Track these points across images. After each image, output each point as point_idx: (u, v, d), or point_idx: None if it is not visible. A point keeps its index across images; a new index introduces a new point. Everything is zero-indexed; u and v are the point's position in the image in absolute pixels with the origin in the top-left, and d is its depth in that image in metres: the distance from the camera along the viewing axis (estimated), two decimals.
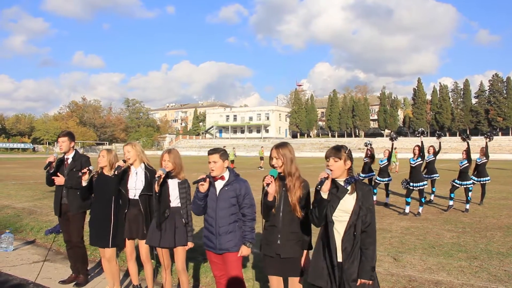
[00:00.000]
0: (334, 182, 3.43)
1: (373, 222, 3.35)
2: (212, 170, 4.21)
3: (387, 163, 13.40)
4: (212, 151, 4.27)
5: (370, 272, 3.29)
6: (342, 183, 3.42)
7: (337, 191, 3.40)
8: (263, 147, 41.20)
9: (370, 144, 13.80)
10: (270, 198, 3.82)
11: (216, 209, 4.22)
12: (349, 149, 3.53)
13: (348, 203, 3.37)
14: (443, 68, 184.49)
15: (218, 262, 4.31)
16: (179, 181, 4.80)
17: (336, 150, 3.46)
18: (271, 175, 3.79)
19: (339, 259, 3.37)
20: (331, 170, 3.40)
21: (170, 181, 4.80)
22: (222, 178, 4.26)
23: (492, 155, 14.14)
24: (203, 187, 4.21)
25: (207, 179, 4.22)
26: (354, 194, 3.37)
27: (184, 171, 4.88)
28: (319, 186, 3.30)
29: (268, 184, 3.75)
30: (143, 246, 5.08)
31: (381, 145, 70.48)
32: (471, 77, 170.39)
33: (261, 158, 36.17)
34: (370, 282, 3.30)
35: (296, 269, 3.91)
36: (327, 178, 3.33)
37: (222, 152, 4.28)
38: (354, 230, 3.33)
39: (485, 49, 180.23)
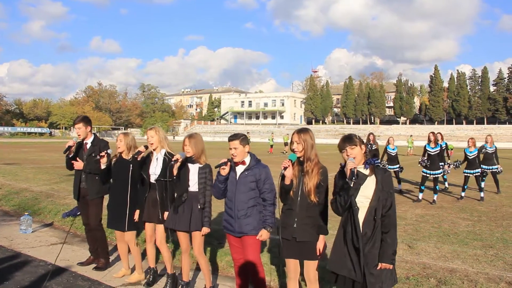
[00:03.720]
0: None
1: (393, 205, 3.35)
2: (234, 156, 4.26)
3: (397, 152, 13.44)
4: (232, 137, 4.29)
5: (391, 256, 3.30)
6: (360, 169, 3.41)
7: (357, 178, 3.36)
8: (288, 134, 42.08)
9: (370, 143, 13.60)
10: (287, 182, 3.86)
11: (236, 193, 4.27)
12: (357, 135, 3.56)
13: (368, 188, 3.37)
14: (463, 55, 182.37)
15: (237, 245, 4.36)
16: (200, 166, 4.78)
17: (349, 139, 3.48)
18: (289, 159, 3.83)
19: (362, 243, 3.37)
20: (353, 158, 3.39)
21: (191, 166, 4.80)
22: (243, 163, 4.30)
23: (509, 144, 13.87)
24: (224, 171, 4.27)
25: (229, 163, 4.27)
26: (373, 178, 3.38)
27: (205, 156, 4.85)
28: (354, 178, 3.27)
29: (285, 168, 3.79)
30: (159, 231, 5.15)
31: (396, 132, 70.11)
32: (491, 64, 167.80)
33: (286, 144, 37.59)
34: (391, 266, 3.31)
35: (312, 252, 3.93)
36: (355, 167, 3.32)
37: (242, 138, 4.30)
38: (374, 214, 3.34)
39: (507, 35, 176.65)
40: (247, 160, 4.33)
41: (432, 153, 11.35)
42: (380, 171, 3.40)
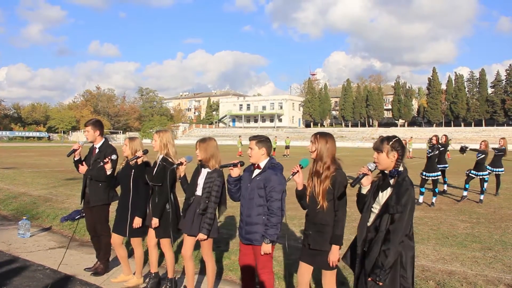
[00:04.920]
0: (383, 173, 3.36)
1: (400, 224, 3.12)
2: (250, 156, 4.19)
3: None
4: (251, 137, 4.24)
5: (378, 272, 3.10)
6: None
7: (382, 183, 3.33)
8: (289, 137, 43.92)
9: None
10: (299, 187, 3.84)
11: (246, 198, 4.20)
12: (396, 140, 3.35)
13: (384, 196, 3.28)
14: (461, 57, 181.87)
15: (245, 251, 4.28)
16: (208, 171, 4.67)
17: (379, 142, 3.35)
18: (300, 164, 3.78)
19: (365, 248, 3.34)
20: (375, 163, 3.33)
21: (202, 170, 4.73)
22: (258, 167, 4.19)
23: (508, 146, 13.82)
24: (233, 172, 4.23)
25: (238, 165, 4.22)
26: (390, 189, 3.25)
27: (216, 161, 4.70)
28: (353, 184, 3.26)
29: (294, 173, 3.74)
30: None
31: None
32: (489, 66, 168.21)
33: (287, 147, 38.21)
34: (380, 283, 3.11)
35: (326, 262, 3.80)
36: (365, 174, 3.29)
37: (260, 139, 4.20)
38: (378, 224, 3.24)
39: (505, 37, 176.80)
40: (263, 164, 4.18)
41: (428, 155, 11.43)
42: (398, 184, 3.21)
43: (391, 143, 3.31)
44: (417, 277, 5.33)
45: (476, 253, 6.45)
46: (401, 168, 3.28)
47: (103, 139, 5.94)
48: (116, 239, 5.46)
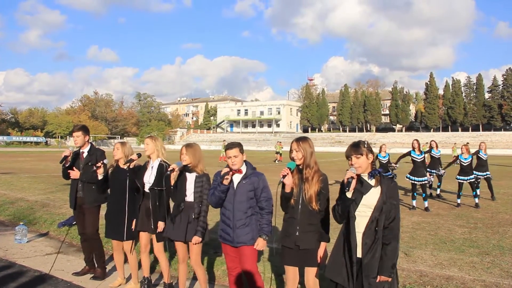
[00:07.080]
0: (358, 177, 3.39)
1: (397, 217, 3.32)
2: (234, 164, 4.24)
3: (388, 159, 13.53)
4: (231, 146, 4.29)
5: (390, 269, 3.25)
6: (366, 178, 3.41)
7: (361, 186, 3.38)
8: (281, 142, 43.02)
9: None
10: (287, 190, 3.87)
11: (234, 202, 4.27)
12: (367, 142, 3.51)
13: (372, 198, 3.34)
14: (459, 62, 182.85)
15: (233, 255, 4.36)
16: (197, 175, 4.76)
17: (356, 147, 3.44)
18: (288, 167, 3.84)
19: (359, 254, 3.35)
20: (355, 168, 3.37)
21: (188, 175, 4.78)
22: (239, 171, 4.28)
23: (504, 150, 13.85)
24: (228, 181, 4.26)
25: (231, 173, 4.26)
26: (379, 189, 3.35)
27: (203, 165, 4.83)
28: (347, 188, 3.27)
29: (284, 176, 3.79)
30: (155, 240, 5.13)
31: (392, 140, 70.28)
32: (486, 71, 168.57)
33: (277, 153, 38.35)
34: (390, 279, 3.26)
35: (313, 259, 3.95)
36: (353, 178, 3.31)
37: (241, 146, 4.33)
38: (376, 225, 3.30)
39: (503, 42, 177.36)
40: (243, 168, 4.32)
41: (418, 160, 11.49)
42: (386, 182, 3.37)
43: (366, 146, 3.46)
44: (415, 283, 5.34)
45: (474, 258, 6.44)
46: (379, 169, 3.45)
47: (90, 144, 6.01)
48: (116, 245, 5.49)
